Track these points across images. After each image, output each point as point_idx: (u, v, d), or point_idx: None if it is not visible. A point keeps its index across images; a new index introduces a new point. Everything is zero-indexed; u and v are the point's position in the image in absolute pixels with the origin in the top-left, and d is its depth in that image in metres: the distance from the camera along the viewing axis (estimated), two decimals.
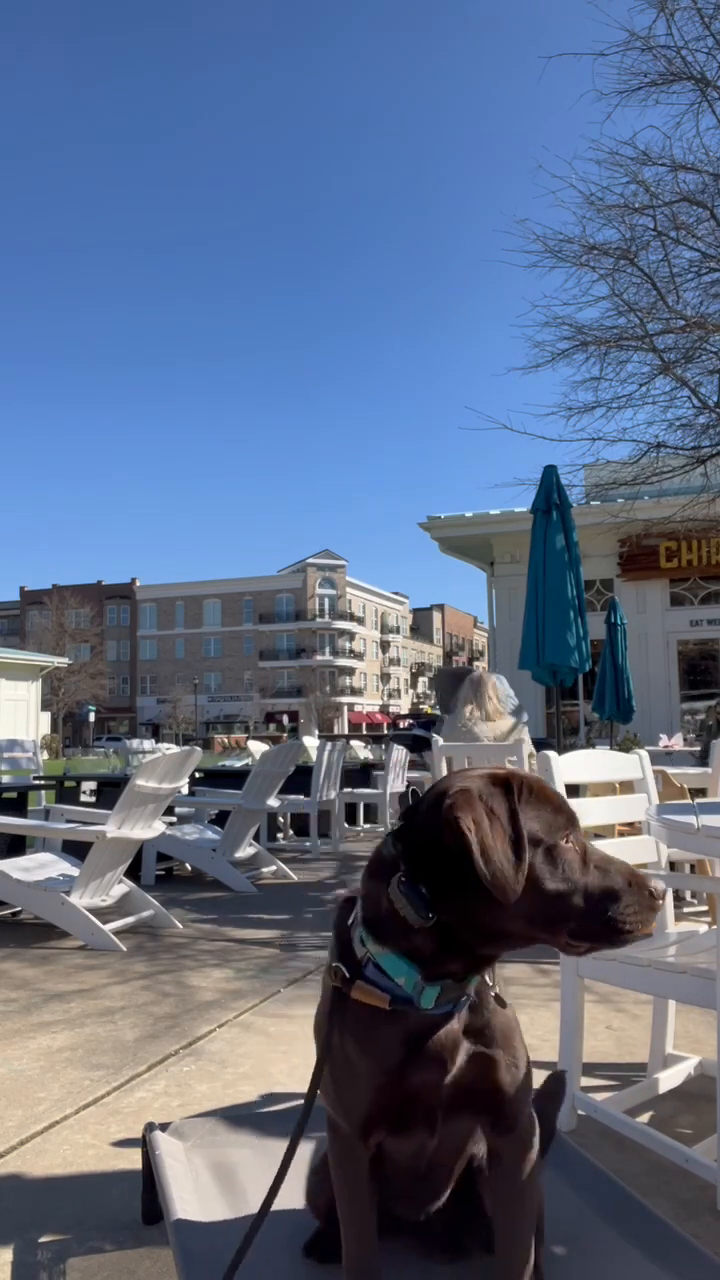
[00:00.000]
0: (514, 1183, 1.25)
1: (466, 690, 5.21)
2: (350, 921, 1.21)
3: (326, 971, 1.22)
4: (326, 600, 73.35)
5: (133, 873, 5.61)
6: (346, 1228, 1.28)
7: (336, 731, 58.69)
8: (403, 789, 8.74)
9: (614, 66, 7.77)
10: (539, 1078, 2.57)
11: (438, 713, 7.10)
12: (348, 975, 1.18)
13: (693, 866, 4.22)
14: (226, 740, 44.33)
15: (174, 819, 6.99)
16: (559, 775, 2.35)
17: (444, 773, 4.82)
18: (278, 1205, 1.63)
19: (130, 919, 4.62)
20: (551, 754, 2.37)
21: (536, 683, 6.56)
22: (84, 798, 6.98)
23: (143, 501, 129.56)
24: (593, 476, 10.50)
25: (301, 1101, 2.32)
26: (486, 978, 1.22)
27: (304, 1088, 2.45)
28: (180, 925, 4.75)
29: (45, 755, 11.49)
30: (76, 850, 4.88)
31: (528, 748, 4.72)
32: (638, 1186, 1.95)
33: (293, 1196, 1.67)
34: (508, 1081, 1.21)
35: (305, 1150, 1.85)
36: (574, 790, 2.71)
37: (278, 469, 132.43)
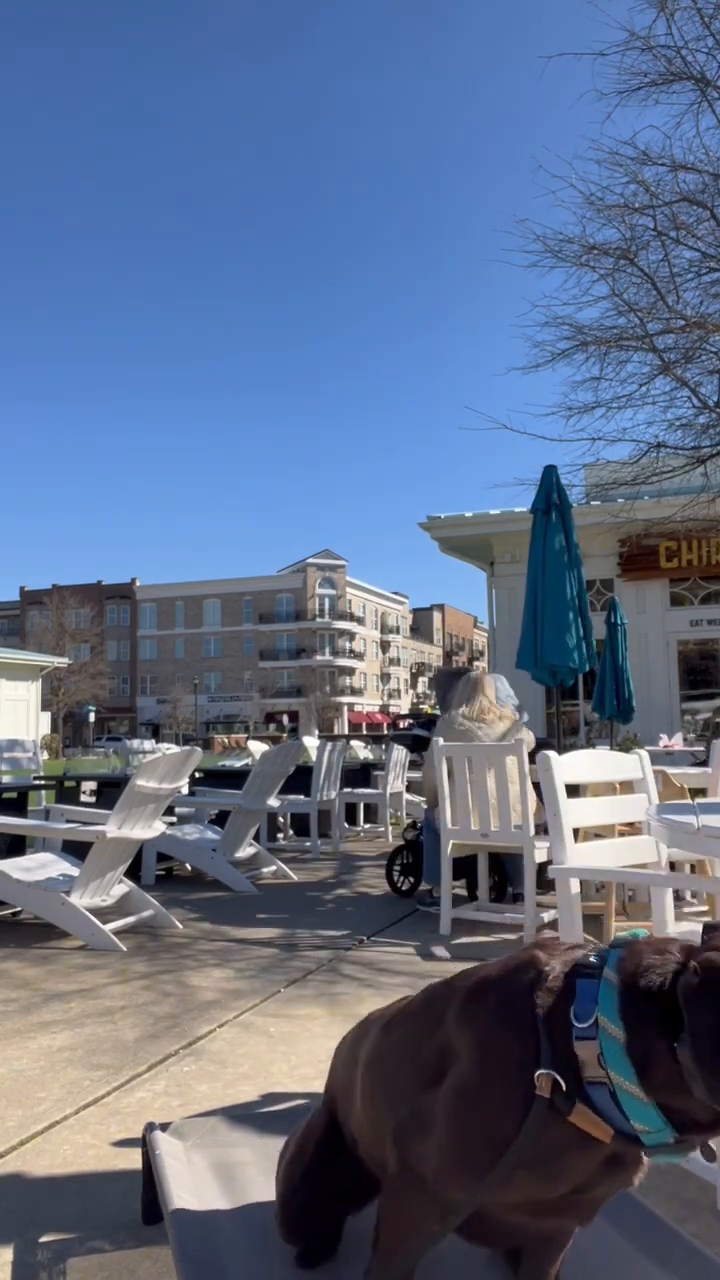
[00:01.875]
0: (557, 1248, 1.25)
1: (460, 690, 5.21)
2: (552, 1005, 1.03)
3: (519, 1067, 1.02)
4: (326, 600, 73.36)
5: (133, 873, 5.62)
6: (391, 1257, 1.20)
7: (336, 731, 58.69)
8: (403, 789, 8.75)
9: (614, 66, 7.78)
10: None
11: (438, 713, 7.09)
12: (564, 1091, 0.99)
13: (693, 866, 4.22)
14: (226, 740, 44.35)
15: (174, 819, 6.99)
16: (559, 775, 2.35)
17: (443, 773, 4.81)
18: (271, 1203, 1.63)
19: (130, 919, 4.62)
20: (551, 754, 2.37)
21: (536, 683, 6.55)
22: (84, 798, 6.98)
23: (143, 501, 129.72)
24: (593, 476, 10.50)
25: (302, 1101, 2.32)
26: None
27: (304, 1087, 2.45)
28: (180, 925, 4.75)
29: (45, 755, 11.49)
30: (76, 850, 4.88)
31: (528, 746, 4.73)
32: (638, 1187, 1.95)
33: None
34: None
35: None
36: (574, 790, 2.71)
37: (278, 469, 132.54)
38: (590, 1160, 1.01)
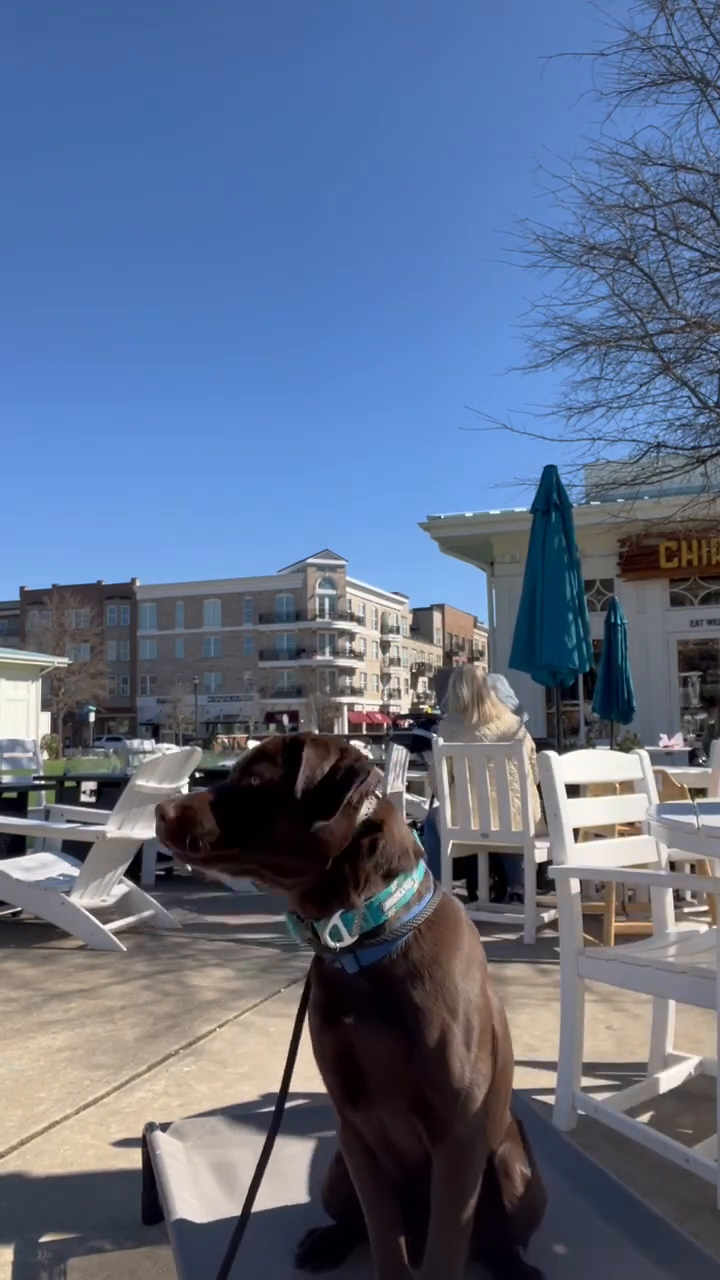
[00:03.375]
0: (440, 1201, 1.22)
1: (462, 690, 5.18)
2: None
3: None
4: (326, 600, 73.35)
5: (133, 873, 5.61)
6: (366, 1215, 1.30)
7: (336, 731, 58.68)
8: (403, 788, 8.74)
9: (614, 66, 7.79)
10: (540, 1078, 2.58)
11: (438, 713, 7.09)
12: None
13: (693, 866, 4.22)
14: (226, 740, 44.34)
15: None
16: (559, 775, 2.35)
17: (444, 773, 4.82)
18: (277, 1204, 1.64)
19: (130, 919, 4.62)
20: (551, 754, 2.37)
21: (536, 683, 6.55)
22: (84, 798, 6.98)
23: (143, 501, 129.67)
24: (593, 476, 10.50)
25: (303, 1101, 2.33)
26: (406, 961, 1.22)
27: (305, 1087, 2.45)
28: (180, 925, 4.75)
29: (45, 755, 11.49)
30: (76, 850, 4.88)
31: (529, 745, 4.73)
32: (638, 1186, 1.95)
33: (292, 1195, 1.67)
34: (428, 1077, 1.18)
35: (304, 1149, 1.85)
36: (574, 790, 2.71)
37: (278, 469, 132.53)
38: (316, 983, 1.28)
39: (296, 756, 1.22)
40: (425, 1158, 1.25)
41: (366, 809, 1.24)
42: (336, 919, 1.20)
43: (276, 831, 1.19)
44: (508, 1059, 1.37)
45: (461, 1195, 1.22)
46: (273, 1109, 2.31)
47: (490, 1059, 1.26)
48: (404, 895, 1.24)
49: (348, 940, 1.20)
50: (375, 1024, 1.20)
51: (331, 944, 1.20)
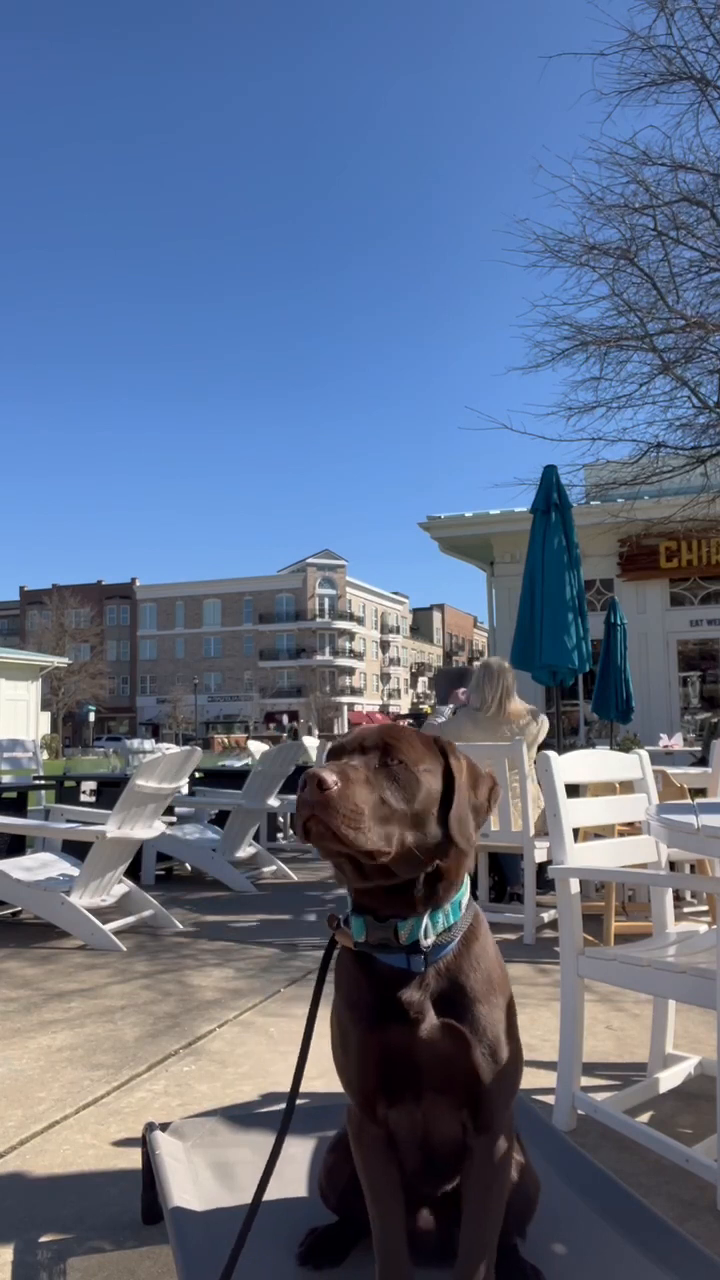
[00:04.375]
0: (479, 1191, 1.23)
1: (490, 684, 5.04)
2: None
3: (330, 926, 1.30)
4: (326, 600, 73.34)
5: (133, 873, 5.61)
6: (372, 1210, 1.28)
7: (337, 731, 58.66)
8: None
9: (614, 66, 7.79)
10: (540, 1078, 2.58)
11: (438, 713, 7.07)
12: (341, 922, 1.26)
13: (693, 866, 4.22)
14: (226, 740, 44.34)
15: (174, 819, 6.99)
16: (559, 775, 2.35)
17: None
18: (278, 1200, 1.64)
19: (130, 919, 4.62)
20: (551, 754, 2.38)
21: (536, 683, 6.55)
22: (84, 798, 6.98)
23: (143, 501, 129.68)
24: (593, 476, 10.50)
25: (303, 1101, 2.32)
26: (465, 958, 1.23)
27: (305, 1086, 2.45)
28: (180, 925, 4.75)
29: (45, 755, 11.49)
30: (76, 850, 4.88)
31: (542, 727, 4.73)
32: (638, 1186, 1.95)
33: (292, 1193, 1.67)
34: (484, 1069, 1.21)
35: (304, 1149, 1.85)
36: (574, 790, 2.71)
37: (278, 468, 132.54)
38: (365, 984, 1.24)
39: (444, 756, 1.23)
40: (456, 1150, 1.27)
41: None
42: (426, 918, 1.21)
43: (424, 824, 1.17)
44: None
45: (504, 1183, 1.25)
46: (273, 1108, 2.31)
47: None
48: (465, 892, 1.27)
49: (431, 939, 1.21)
50: (444, 1018, 1.21)
51: (424, 942, 1.20)
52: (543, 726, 5.05)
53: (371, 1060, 1.22)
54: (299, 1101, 2.32)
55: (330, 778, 1.10)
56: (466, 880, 1.27)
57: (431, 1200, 1.36)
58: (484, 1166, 1.23)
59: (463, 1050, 1.20)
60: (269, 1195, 1.65)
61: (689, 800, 3.72)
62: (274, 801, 6.40)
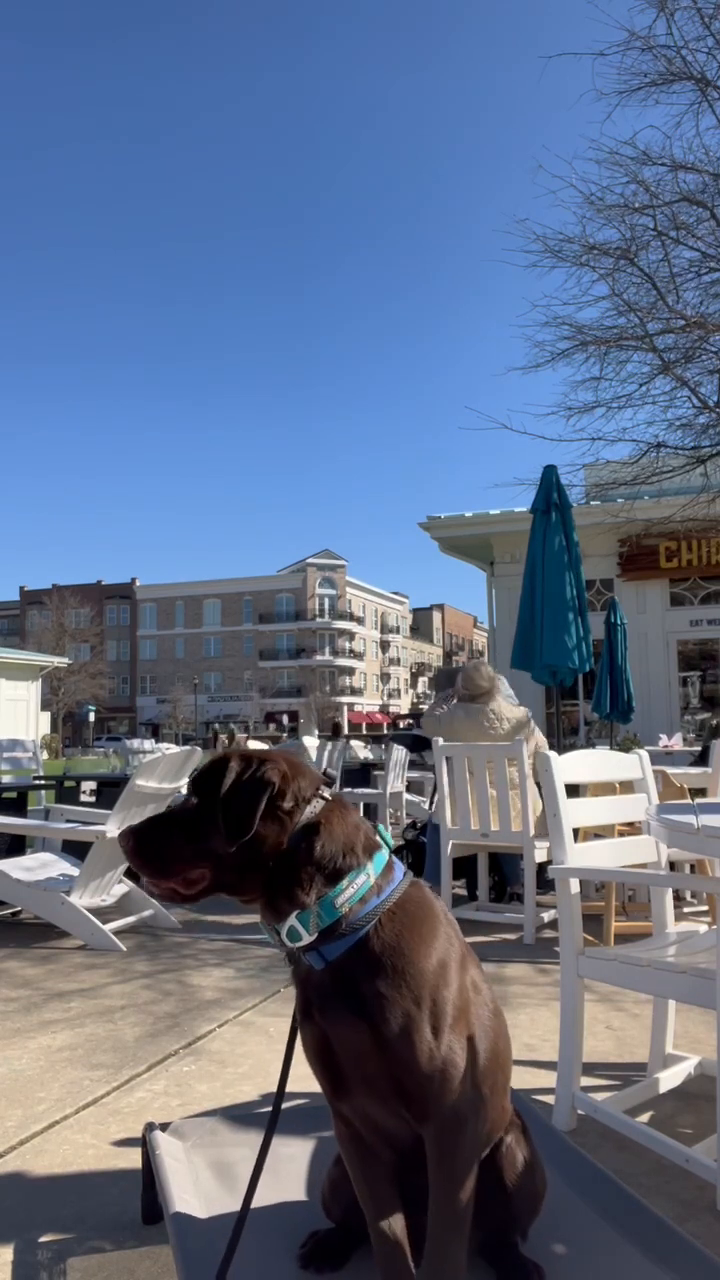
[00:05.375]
0: (435, 1180, 1.23)
1: (463, 675, 5.12)
2: None
3: None
4: (326, 600, 73.34)
5: (133, 873, 5.61)
6: (366, 1209, 1.31)
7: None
8: (403, 788, 8.74)
9: (614, 66, 7.78)
10: (540, 1078, 2.58)
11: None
12: None
13: (693, 866, 4.23)
14: (226, 740, 44.27)
15: None
16: (559, 775, 2.35)
17: (443, 772, 4.81)
18: (277, 1202, 1.64)
19: (130, 919, 4.62)
20: (551, 754, 2.38)
21: (536, 683, 6.55)
22: (84, 798, 6.98)
23: (143, 501, 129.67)
24: (593, 476, 10.49)
25: (302, 1101, 2.32)
26: (368, 953, 1.24)
27: (304, 1086, 2.45)
28: (180, 925, 4.75)
29: (45, 755, 11.48)
30: (76, 850, 4.88)
31: (538, 739, 4.72)
32: (638, 1186, 1.95)
33: (291, 1195, 1.67)
34: (401, 1060, 1.21)
35: (303, 1149, 1.85)
36: (574, 790, 2.71)
37: (278, 468, 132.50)
38: (295, 983, 1.32)
39: (220, 774, 1.28)
40: (418, 1140, 1.28)
41: (309, 812, 1.28)
42: (293, 920, 1.25)
43: (213, 849, 1.25)
44: (499, 1040, 1.37)
45: (454, 1172, 1.23)
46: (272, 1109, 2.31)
47: (467, 1040, 1.27)
48: (358, 890, 1.27)
49: (306, 939, 1.25)
50: (342, 1016, 1.23)
51: (290, 944, 1.25)
52: (538, 739, 5.06)
53: (309, 1054, 1.28)
54: (299, 1102, 2.33)
55: (122, 840, 1.30)
56: (366, 877, 1.27)
57: (424, 1195, 1.37)
58: (434, 1156, 1.23)
59: (368, 1044, 1.22)
60: (270, 1198, 1.65)
61: (689, 800, 3.72)
62: None
